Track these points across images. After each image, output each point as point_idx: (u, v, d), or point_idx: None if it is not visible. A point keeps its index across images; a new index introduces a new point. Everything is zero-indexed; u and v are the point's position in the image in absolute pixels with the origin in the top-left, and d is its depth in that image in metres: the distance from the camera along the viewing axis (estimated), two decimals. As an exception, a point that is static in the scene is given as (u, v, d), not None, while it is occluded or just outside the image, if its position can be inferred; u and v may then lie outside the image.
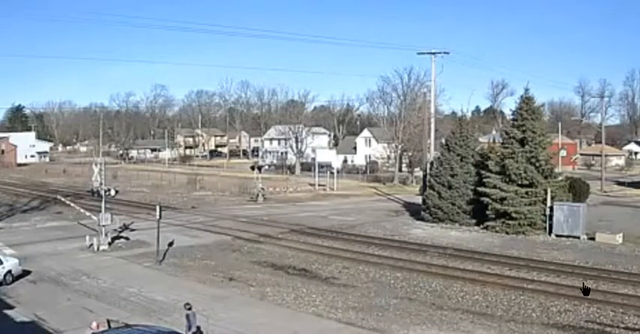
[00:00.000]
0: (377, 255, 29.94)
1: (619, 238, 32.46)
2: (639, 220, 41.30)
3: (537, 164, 35.98)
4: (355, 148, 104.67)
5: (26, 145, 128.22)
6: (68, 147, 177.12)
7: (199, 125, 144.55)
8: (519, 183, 35.76)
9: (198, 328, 16.92)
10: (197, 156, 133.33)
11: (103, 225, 31.58)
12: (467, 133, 40.84)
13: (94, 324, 16.08)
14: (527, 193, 35.55)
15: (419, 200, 44.88)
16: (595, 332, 18.50)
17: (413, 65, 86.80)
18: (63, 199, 43.83)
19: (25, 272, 25.31)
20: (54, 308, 20.65)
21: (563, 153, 78.23)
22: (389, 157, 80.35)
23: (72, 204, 40.74)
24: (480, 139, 70.95)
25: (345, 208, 49.88)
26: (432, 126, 47.48)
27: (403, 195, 59.87)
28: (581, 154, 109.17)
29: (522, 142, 36.43)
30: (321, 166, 70.57)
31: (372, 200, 56.27)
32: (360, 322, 19.42)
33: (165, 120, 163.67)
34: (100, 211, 32.22)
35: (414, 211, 44.80)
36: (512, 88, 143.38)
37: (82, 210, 36.96)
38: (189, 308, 16.65)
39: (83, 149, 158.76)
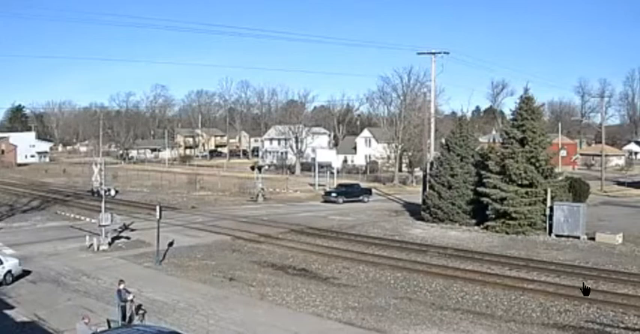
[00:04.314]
0: (377, 255, 29.92)
1: (619, 238, 32.42)
2: (639, 220, 41.28)
3: (537, 164, 35.96)
4: (355, 148, 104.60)
5: (26, 145, 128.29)
6: (68, 147, 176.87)
7: (199, 125, 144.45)
8: (519, 183, 35.73)
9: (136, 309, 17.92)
10: (197, 156, 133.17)
11: (103, 225, 31.58)
12: (467, 133, 40.83)
13: (86, 319, 16.04)
14: (527, 193, 35.54)
15: (419, 200, 44.89)
16: (595, 332, 18.48)
17: (413, 65, 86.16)
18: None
19: (25, 272, 25.33)
20: (54, 308, 20.64)
21: (563, 153, 78.18)
22: (389, 157, 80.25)
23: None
24: (480, 139, 71.02)
25: (345, 208, 49.87)
26: (432, 126, 47.49)
27: (403, 195, 59.94)
28: (581, 154, 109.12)
29: (522, 142, 36.41)
30: (321, 166, 70.51)
31: (372, 200, 56.17)
32: (360, 322, 19.42)
33: (165, 120, 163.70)
34: (100, 211, 32.24)
35: (414, 211, 44.79)
36: (512, 88, 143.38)
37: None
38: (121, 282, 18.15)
39: (83, 149, 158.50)
